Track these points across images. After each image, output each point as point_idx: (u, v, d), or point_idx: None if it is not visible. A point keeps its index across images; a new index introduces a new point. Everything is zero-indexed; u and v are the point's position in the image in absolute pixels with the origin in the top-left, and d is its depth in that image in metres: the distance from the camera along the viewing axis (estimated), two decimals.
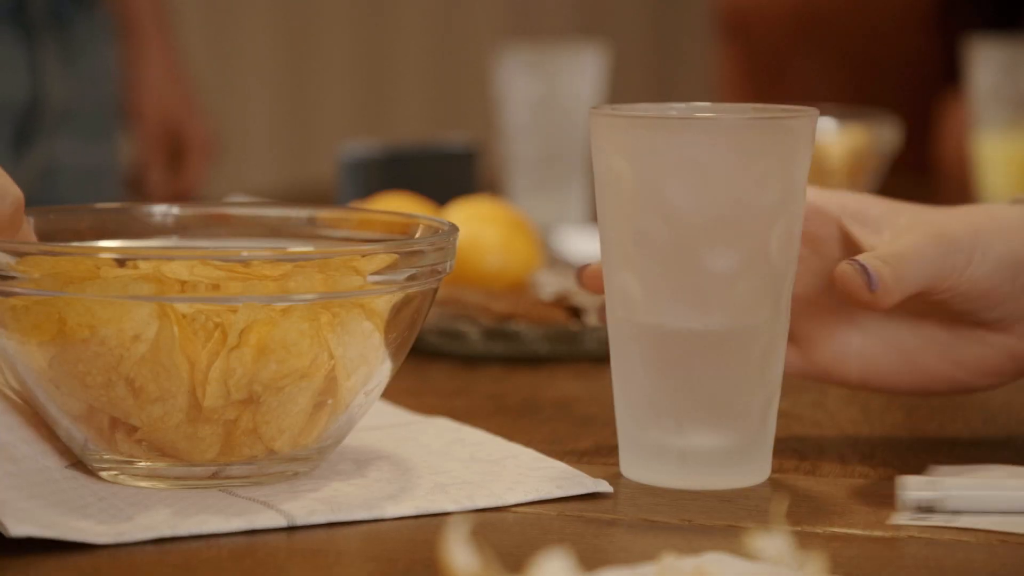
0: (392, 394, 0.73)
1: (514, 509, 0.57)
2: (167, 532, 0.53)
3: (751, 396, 0.59)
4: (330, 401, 0.58)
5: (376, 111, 2.88)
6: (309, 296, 0.55)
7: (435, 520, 0.55)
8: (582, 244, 1.20)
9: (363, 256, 0.56)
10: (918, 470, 0.62)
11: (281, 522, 0.55)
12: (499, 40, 1.32)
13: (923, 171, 1.70)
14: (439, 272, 0.58)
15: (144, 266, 0.54)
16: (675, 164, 0.57)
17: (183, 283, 0.54)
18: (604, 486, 0.58)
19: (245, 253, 0.56)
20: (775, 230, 0.58)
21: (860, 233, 0.63)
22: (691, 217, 0.57)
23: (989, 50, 1.26)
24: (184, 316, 0.55)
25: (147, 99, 1.42)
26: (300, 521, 0.55)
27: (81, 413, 0.57)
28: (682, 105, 0.61)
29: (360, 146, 1.14)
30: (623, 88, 2.91)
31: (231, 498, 0.57)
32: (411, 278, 0.57)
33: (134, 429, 0.56)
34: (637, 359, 0.59)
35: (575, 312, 0.83)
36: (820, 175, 1.09)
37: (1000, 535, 0.54)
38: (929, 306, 0.62)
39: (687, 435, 0.59)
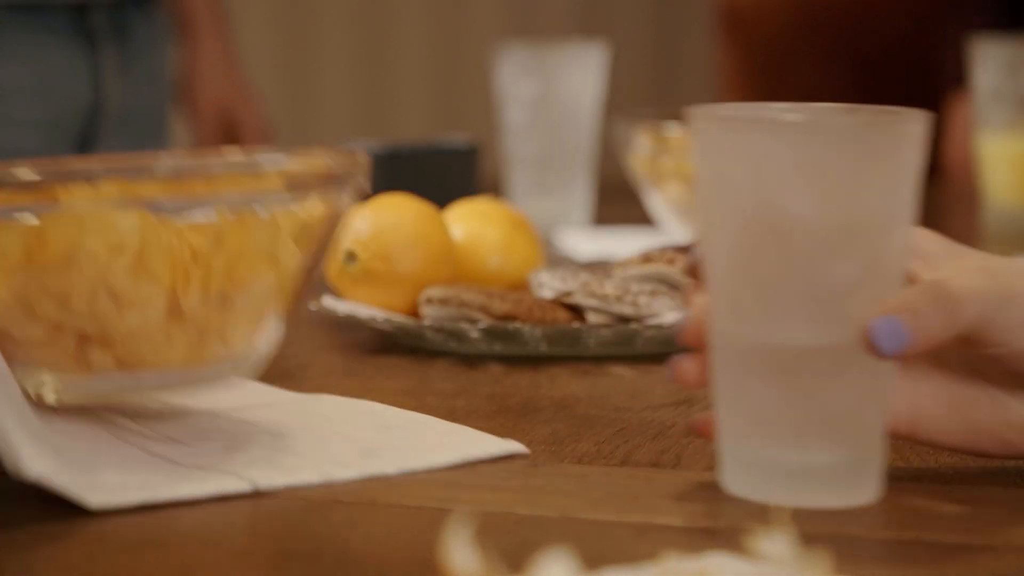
0: (391, 394, 0.72)
1: (514, 510, 0.56)
2: (147, 496, 0.56)
3: (866, 410, 0.57)
4: (275, 308, 0.63)
5: (376, 112, 2.88)
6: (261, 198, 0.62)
7: (435, 520, 0.55)
8: (583, 245, 1.19)
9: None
10: (921, 470, 0.61)
11: (245, 487, 0.58)
12: (499, 40, 1.32)
13: (927, 172, 1.69)
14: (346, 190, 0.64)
15: (108, 186, 0.62)
16: (792, 170, 0.55)
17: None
18: (516, 446, 0.63)
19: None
20: (893, 238, 0.56)
21: (918, 267, 0.59)
22: (810, 225, 0.55)
23: (992, 49, 1.26)
24: (162, 224, 0.59)
25: (201, 88, 1.43)
26: (263, 485, 0.58)
27: (43, 339, 0.58)
28: (786, 105, 0.58)
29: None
30: (623, 88, 2.91)
31: (190, 470, 0.59)
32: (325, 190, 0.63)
33: (108, 342, 0.58)
34: (748, 372, 0.57)
35: (576, 311, 0.82)
36: None
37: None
38: (985, 361, 0.60)
39: (801, 451, 0.56)
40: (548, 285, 0.83)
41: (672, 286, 0.83)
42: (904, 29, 1.74)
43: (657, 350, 0.80)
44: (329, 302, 0.85)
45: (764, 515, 0.56)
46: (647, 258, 0.84)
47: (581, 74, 1.28)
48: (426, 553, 0.51)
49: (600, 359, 0.80)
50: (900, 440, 0.62)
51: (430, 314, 0.82)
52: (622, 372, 0.78)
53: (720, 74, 1.87)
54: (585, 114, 1.28)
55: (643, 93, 2.95)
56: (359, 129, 2.82)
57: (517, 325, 0.80)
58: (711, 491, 0.59)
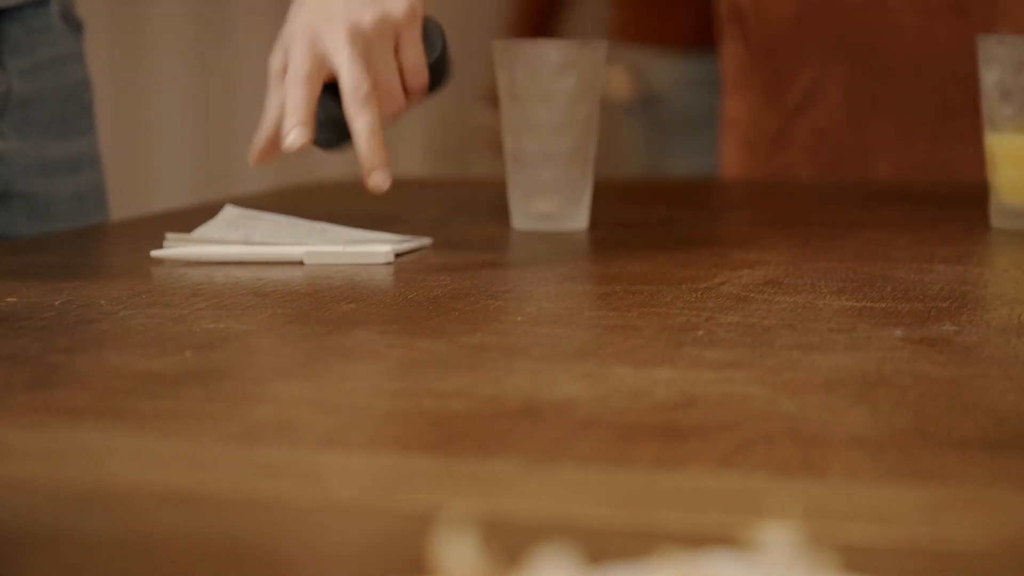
0: (387, 395, 0.72)
1: (513, 512, 0.56)
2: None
3: None
4: None
5: None
6: None
7: (431, 524, 0.54)
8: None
9: None
10: (927, 473, 0.61)
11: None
12: (498, 39, 1.31)
13: (936, 169, 1.69)
14: None
15: None
16: None
17: None
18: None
19: None
20: None
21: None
22: None
23: (997, 47, 1.25)
24: None
25: None
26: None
27: None
28: None
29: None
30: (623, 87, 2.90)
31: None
32: None
33: None
34: None
35: None
36: None
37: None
38: None
39: None
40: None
41: None
42: (907, 21, 1.73)
43: None
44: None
45: (768, 515, 0.55)
46: None
47: (582, 72, 1.27)
48: (423, 557, 0.50)
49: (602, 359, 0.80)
50: None
51: None
52: (623, 373, 0.77)
53: (723, 71, 1.86)
54: (586, 113, 1.28)
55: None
56: None
57: None
58: (713, 492, 0.58)
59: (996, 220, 1.27)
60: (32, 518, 0.56)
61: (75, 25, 1.33)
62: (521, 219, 1.29)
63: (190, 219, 1.28)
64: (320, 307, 0.97)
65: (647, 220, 1.39)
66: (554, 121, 1.27)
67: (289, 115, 1.06)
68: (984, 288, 1.03)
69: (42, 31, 1.29)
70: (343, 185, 1.73)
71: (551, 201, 1.28)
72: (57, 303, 0.96)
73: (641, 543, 0.53)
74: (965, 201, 1.45)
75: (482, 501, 0.57)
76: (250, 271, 1.07)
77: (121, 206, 2.39)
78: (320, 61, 1.08)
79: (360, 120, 1.07)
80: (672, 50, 2.75)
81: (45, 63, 1.29)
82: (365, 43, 1.07)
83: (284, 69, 1.10)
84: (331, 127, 1.10)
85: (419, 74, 1.12)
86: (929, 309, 0.93)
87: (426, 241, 1.15)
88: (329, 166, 2.92)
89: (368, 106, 1.06)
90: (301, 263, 1.09)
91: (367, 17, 1.08)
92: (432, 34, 1.15)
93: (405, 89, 1.12)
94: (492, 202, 1.42)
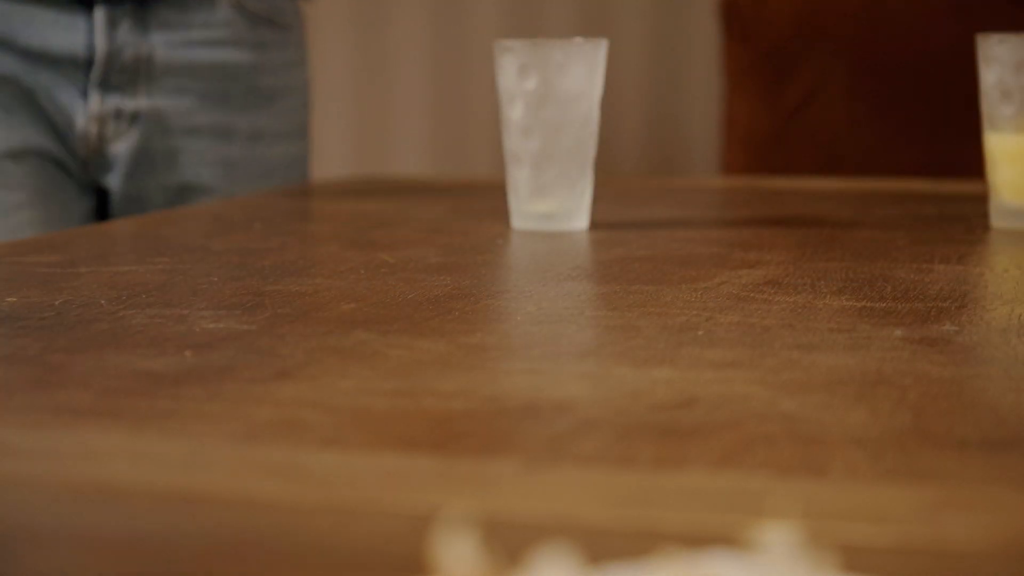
0: (387, 395, 0.72)
1: (513, 512, 0.56)
2: None
3: None
4: None
5: (376, 111, 2.87)
6: None
7: (430, 525, 0.54)
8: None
9: None
10: (926, 473, 0.61)
11: None
12: (499, 39, 1.31)
13: (939, 170, 1.69)
14: None
15: None
16: None
17: None
18: None
19: None
20: None
21: None
22: None
23: (997, 47, 1.25)
24: None
25: None
26: None
27: None
28: None
29: None
30: (623, 87, 2.90)
31: None
32: None
33: None
34: None
35: None
36: None
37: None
38: None
39: None
40: None
41: None
42: (907, 21, 1.73)
43: None
44: None
45: (768, 515, 0.55)
46: None
47: (582, 72, 1.27)
48: (422, 558, 0.50)
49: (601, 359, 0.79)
50: None
51: None
52: (623, 373, 0.77)
53: (724, 71, 1.86)
54: (586, 112, 1.27)
55: (644, 93, 2.95)
56: (359, 129, 2.81)
57: None
58: (713, 492, 0.58)
59: (996, 220, 1.27)
60: (32, 518, 0.56)
61: (257, 21, 1.56)
62: (521, 219, 1.29)
63: (189, 221, 1.28)
64: (320, 307, 0.97)
65: (647, 220, 1.38)
66: (554, 121, 1.27)
67: None
68: (984, 288, 1.03)
69: (201, 15, 1.51)
70: (343, 185, 1.72)
71: (551, 201, 1.28)
72: (57, 303, 0.96)
73: (641, 543, 0.53)
74: (965, 201, 1.45)
75: (482, 501, 0.57)
76: (249, 271, 1.07)
77: None
78: None
79: None
80: None
81: (197, 42, 1.52)
82: None
83: None
84: None
85: None
86: (929, 309, 0.93)
87: None
88: (330, 166, 2.92)
89: None
90: None
91: None
92: None
93: None
94: (492, 202, 1.42)
